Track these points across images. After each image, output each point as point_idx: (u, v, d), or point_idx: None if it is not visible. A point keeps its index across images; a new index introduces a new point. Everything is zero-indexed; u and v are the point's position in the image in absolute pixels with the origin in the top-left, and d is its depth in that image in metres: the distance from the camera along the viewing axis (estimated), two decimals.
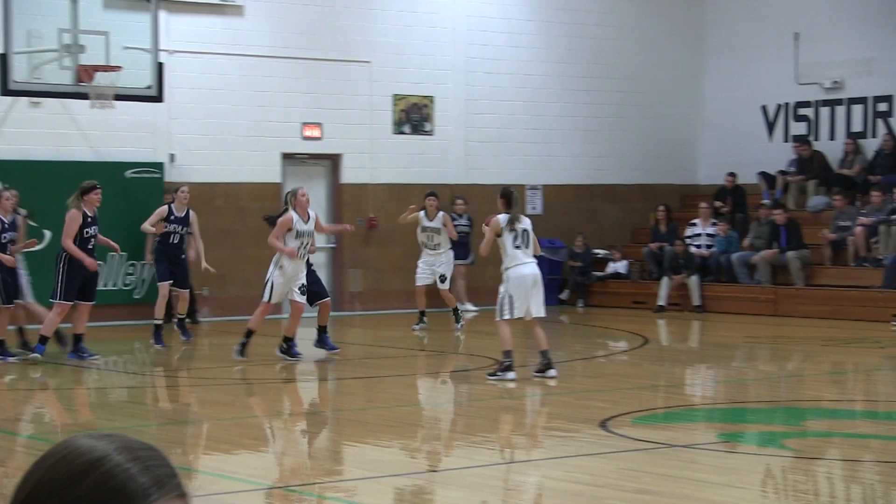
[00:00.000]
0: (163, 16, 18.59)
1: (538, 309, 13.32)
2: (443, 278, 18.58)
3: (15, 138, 19.29)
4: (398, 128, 22.60)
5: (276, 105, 21.35)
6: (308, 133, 21.76)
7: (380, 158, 22.20)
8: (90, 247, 14.96)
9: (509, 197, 13.43)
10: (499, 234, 13.33)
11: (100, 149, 19.90)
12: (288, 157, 21.70)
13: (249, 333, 15.16)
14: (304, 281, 15.01)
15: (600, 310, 22.57)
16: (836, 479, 8.87)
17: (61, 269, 14.88)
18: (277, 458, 9.97)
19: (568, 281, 23.47)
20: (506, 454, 9.94)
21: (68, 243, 14.76)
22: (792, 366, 16.17)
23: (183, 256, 17.07)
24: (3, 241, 14.85)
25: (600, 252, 23.84)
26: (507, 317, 13.30)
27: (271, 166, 21.46)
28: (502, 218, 13.36)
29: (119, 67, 17.30)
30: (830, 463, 9.40)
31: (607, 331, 19.65)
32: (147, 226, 16.82)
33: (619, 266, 23.60)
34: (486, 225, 13.55)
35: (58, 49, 17.09)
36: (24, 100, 18.89)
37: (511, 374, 13.37)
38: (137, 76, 17.70)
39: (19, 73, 16.95)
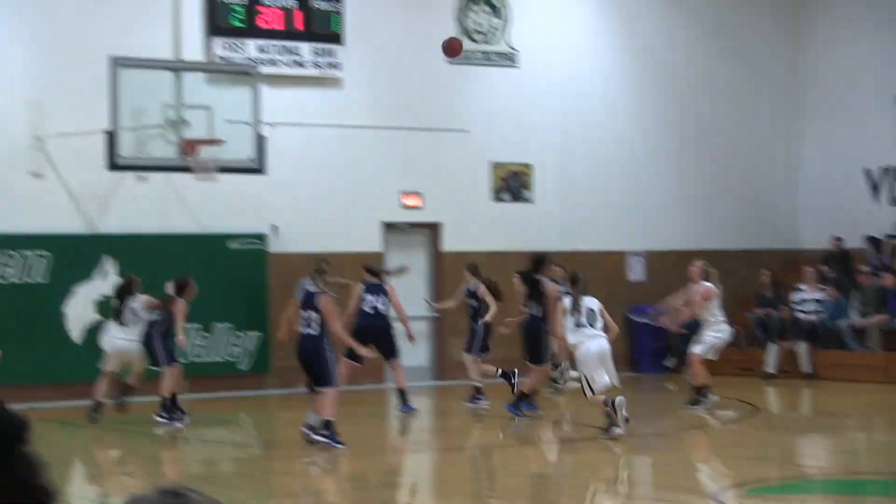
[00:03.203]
0: (263, 90, 18.76)
1: (611, 378, 14.05)
2: None
3: (122, 213, 19.52)
4: (497, 195, 22.56)
5: (375, 174, 21.42)
6: (407, 202, 21.79)
7: (480, 226, 22.14)
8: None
9: (574, 279, 14.74)
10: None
11: (203, 221, 20.07)
12: (388, 226, 21.73)
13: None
14: None
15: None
16: None
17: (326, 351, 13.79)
18: None
19: (672, 348, 23.06)
20: None
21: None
22: None
23: None
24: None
25: None
26: (590, 394, 14.06)
27: (371, 235, 21.49)
28: (567, 301, 14.41)
29: (221, 141, 17.50)
30: None
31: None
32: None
33: None
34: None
35: (162, 125, 17.33)
36: (130, 175, 19.15)
37: (616, 430, 13.87)
38: (239, 148, 17.88)
39: (126, 148, 17.20)
